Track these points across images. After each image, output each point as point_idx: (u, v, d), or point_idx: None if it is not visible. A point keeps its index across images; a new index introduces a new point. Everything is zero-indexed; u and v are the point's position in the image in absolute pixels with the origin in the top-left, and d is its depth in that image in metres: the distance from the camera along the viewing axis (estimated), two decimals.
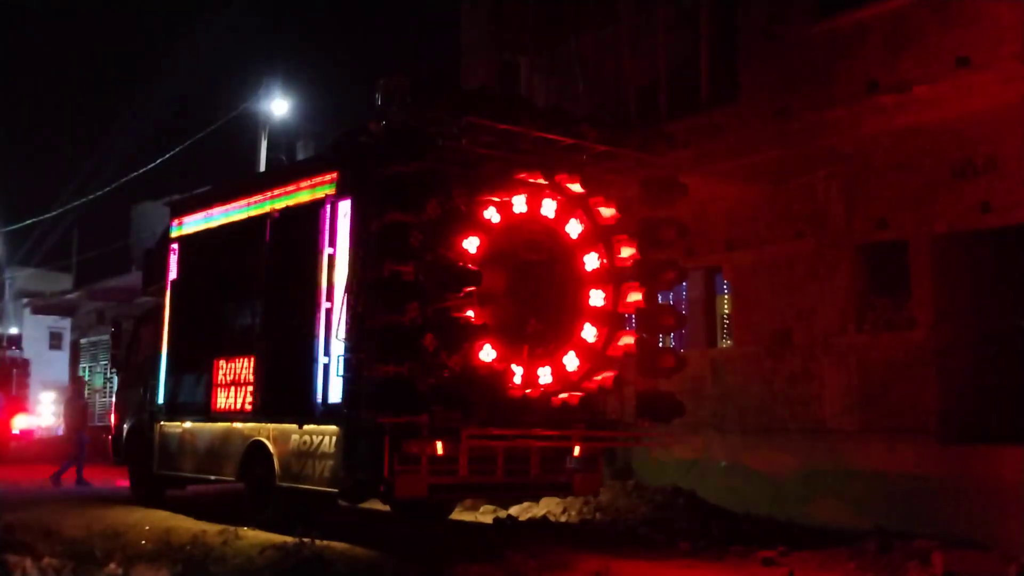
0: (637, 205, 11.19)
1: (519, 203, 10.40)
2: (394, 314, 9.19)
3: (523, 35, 17.02)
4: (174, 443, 13.06)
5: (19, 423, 25.69)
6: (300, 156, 24.45)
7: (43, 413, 32.60)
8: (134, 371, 14.94)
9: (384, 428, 9.38)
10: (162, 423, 13.30)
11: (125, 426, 14.77)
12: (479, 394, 9.69)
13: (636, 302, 10.88)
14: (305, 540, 8.98)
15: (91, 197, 29.35)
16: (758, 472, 13.26)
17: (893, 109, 11.34)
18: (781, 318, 13.44)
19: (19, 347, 27.64)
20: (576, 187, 10.70)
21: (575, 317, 10.79)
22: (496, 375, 9.98)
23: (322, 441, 10.25)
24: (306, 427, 10.49)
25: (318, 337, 10.34)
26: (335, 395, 10.13)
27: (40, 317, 37.23)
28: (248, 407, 11.46)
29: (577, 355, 10.62)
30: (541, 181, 10.53)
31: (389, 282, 9.25)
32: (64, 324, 36.91)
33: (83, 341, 33.83)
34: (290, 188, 11.38)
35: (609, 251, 10.91)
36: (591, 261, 10.91)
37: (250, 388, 11.46)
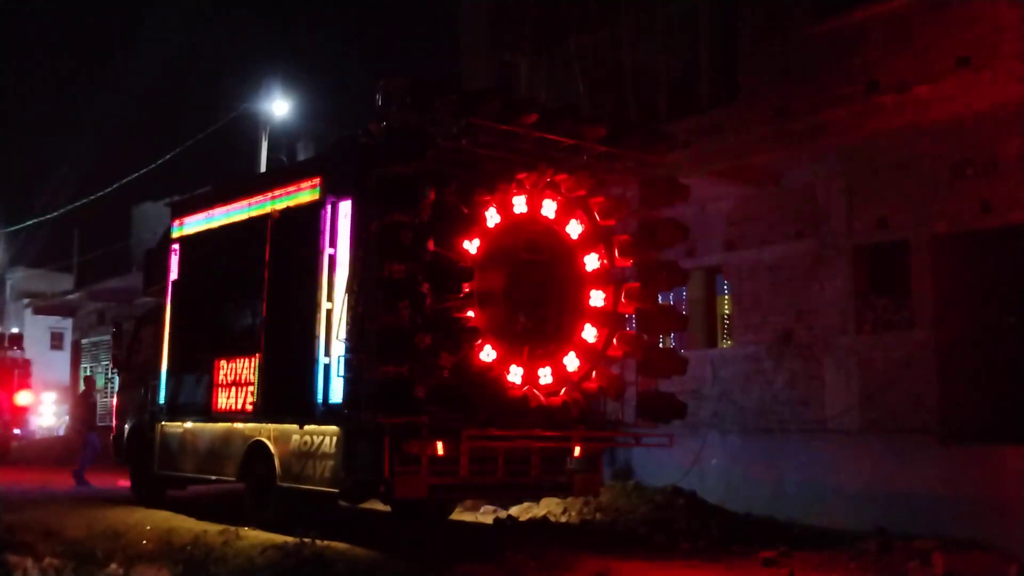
0: (637, 205, 11.19)
1: (519, 203, 10.40)
2: (394, 315, 9.19)
3: (523, 35, 17.03)
4: (175, 443, 13.07)
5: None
6: (301, 157, 24.44)
7: (44, 413, 32.59)
8: (135, 371, 14.95)
9: (384, 429, 9.39)
10: (163, 423, 13.31)
11: (126, 426, 14.79)
12: (479, 395, 9.70)
13: (636, 303, 10.88)
14: (306, 540, 8.98)
15: (92, 198, 29.37)
16: (758, 472, 13.27)
17: (893, 109, 11.35)
18: (781, 318, 13.45)
19: (20, 347, 27.58)
20: (577, 188, 10.70)
21: (576, 318, 10.79)
22: (496, 376, 9.98)
23: (323, 441, 10.26)
24: (307, 427, 10.49)
25: (319, 338, 10.34)
26: (336, 395, 10.13)
27: (41, 317, 37.22)
28: (249, 407, 11.47)
29: (577, 356, 10.62)
30: (542, 181, 10.53)
31: (389, 282, 9.25)
32: (65, 324, 36.92)
33: (84, 341, 33.86)
34: (291, 189, 11.39)
35: (609, 252, 10.91)
36: (591, 262, 10.91)
37: (251, 388, 11.47)
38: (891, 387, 12.07)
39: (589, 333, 10.76)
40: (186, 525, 11.28)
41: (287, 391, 10.93)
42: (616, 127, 10.85)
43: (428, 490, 9.82)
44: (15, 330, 31.49)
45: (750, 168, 13.36)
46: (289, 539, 9.24)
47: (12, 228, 35.07)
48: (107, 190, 28.56)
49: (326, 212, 10.51)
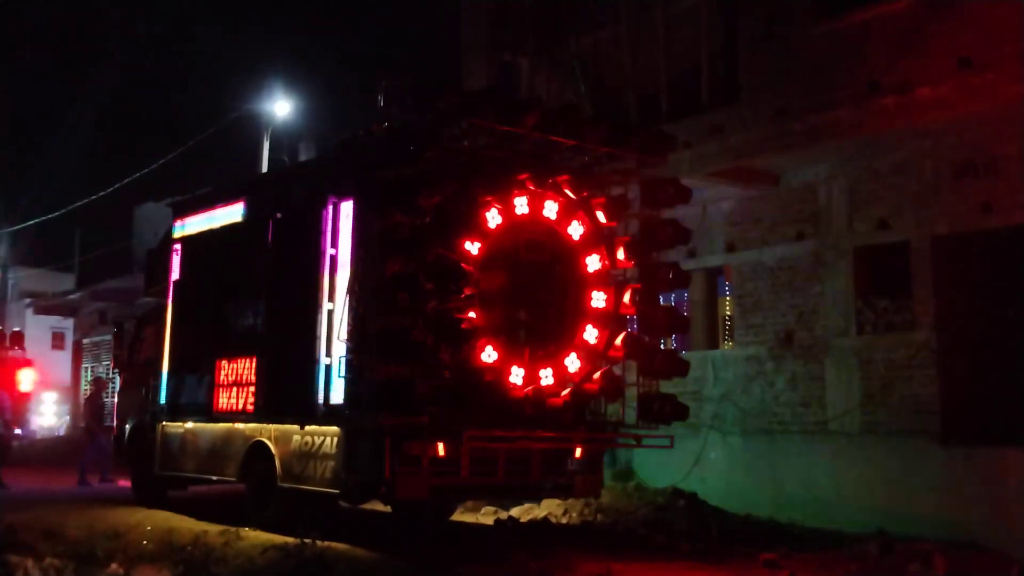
0: (639, 206, 11.19)
1: (521, 204, 10.40)
2: (396, 315, 9.20)
3: (523, 35, 17.03)
4: (176, 443, 13.07)
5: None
6: (302, 157, 24.46)
7: (45, 413, 32.58)
8: (136, 371, 14.95)
9: (385, 429, 9.39)
10: (164, 423, 13.31)
11: (127, 426, 14.79)
12: (480, 396, 9.70)
13: (638, 304, 10.88)
14: (306, 541, 8.99)
15: (93, 198, 29.35)
16: (759, 474, 13.28)
17: (894, 110, 11.35)
18: (782, 320, 13.45)
19: (21, 346, 27.56)
20: (578, 188, 10.70)
21: (577, 318, 10.78)
22: (497, 376, 9.98)
23: (323, 442, 10.26)
24: (308, 428, 10.49)
25: (320, 338, 10.34)
26: (337, 396, 10.13)
27: (42, 317, 37.22)
28: (250, 408, 11.47)
29: (579, 356, 10.61)
30: (543, 182, 10.53)
31: (391, 283, 9.25)
32: (66, 324, 36.92)
33: (85, 341, 33.88)
34: (292, 189, 11.38)
35: (611, 253, 10.91)
36: (593, 263, 10.91)
37: (252, 389, 11.47)
38: (892, 388, 12.07)
39: (590, 334, 10.75)
40: (187, 525, 11.29)
41: (288, 391, 10.93)
42: (617, 128, 10.84)
43: (429, 491, 9.81)
44: (16, 329, 31.48)
45: (751, 169, 13.36)
46: (290, 540, 9.24)
47: (14, 228, 35.06)
48: (109, 190, 28.60)
49: (327, 213, 10.51)
